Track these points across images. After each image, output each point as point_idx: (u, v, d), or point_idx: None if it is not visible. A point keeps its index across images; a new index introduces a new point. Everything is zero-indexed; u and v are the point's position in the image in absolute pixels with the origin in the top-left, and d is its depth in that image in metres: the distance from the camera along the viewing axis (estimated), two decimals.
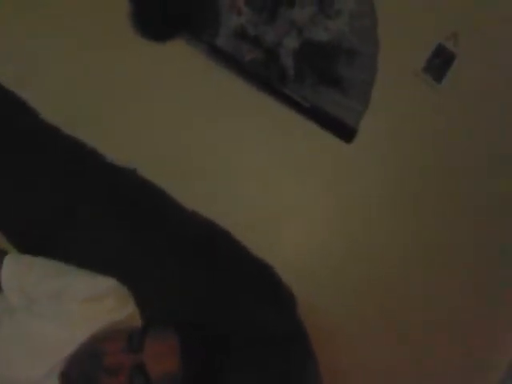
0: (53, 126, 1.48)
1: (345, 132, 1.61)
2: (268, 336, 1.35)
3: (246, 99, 1.63)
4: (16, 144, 1.46)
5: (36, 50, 1.57)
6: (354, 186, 1.64)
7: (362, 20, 1.59)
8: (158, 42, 1.60)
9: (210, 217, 1.45)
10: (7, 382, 1.13)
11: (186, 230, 1.45)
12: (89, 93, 1.61)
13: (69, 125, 1.47)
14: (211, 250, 1.43)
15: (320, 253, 1.63)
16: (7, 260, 1.25)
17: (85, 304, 1.19)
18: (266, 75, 1.60)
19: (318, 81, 1.59)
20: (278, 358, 1.32)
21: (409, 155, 1.65)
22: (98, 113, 1.60)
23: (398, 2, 1.62)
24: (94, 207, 1.43)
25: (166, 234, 1.42)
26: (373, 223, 1.63)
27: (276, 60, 1.59)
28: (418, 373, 1.64)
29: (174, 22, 1.60)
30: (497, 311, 1.71)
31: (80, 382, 1.06)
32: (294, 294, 1.45)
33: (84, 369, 1.06)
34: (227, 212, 1.50)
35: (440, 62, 1.60)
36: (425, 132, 1.65)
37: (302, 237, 1.64)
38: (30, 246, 1.34)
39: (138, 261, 1.39)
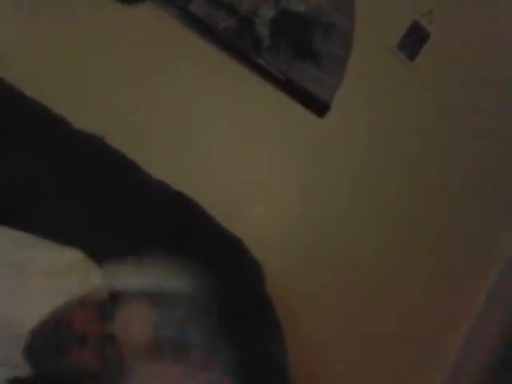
0: (16, 89, 1.41)
1: (318, 106, 1.60)
2: (233, 308, 1.34)
3: (218, 67, 1.60)
4: None
5: None
6: (325, 161, 1.65)
7: None
8: (128, 5, 1.54)
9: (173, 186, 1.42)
10: None
11: (152, 199, 1.42)
12: (53, 56, 1.54)
13: (32, 90, 1.40)
14: (176, 219, 1.40)
15: (288, 228, 1.64)
16: None
17: (49, 276, 1.15)
18: (240, 44, 1.57)
19: (293, 53, 1.57)
20: (243, 330, 1.33)
21: (381, 131, 1.66)
22: (62, 77, 1.54)
23: None
24: (57, 175, 1.38)
25: (130, 203, 1.39)
26: (342, 198, 1.65)
27: (251, 29, 1.56)
28: (386, 342, 1.69)
29: None
30: None
31: (47, 353, 1.03)
32: (261, 266, 1.45)
33: (52, 339, 1.03)
34: (192, 182, 1.47)
35: (414, 40, 1.61)
36: (397, 109, 1.66)
37: (269, 211, 1.64)
38: None
39: (102, 232, 1.35)
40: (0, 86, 1.41)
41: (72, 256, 1.22)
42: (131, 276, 1.20)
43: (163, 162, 1.50)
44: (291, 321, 1.39)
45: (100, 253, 1.29)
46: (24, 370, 1.05)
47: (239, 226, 1.43)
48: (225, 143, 1.61)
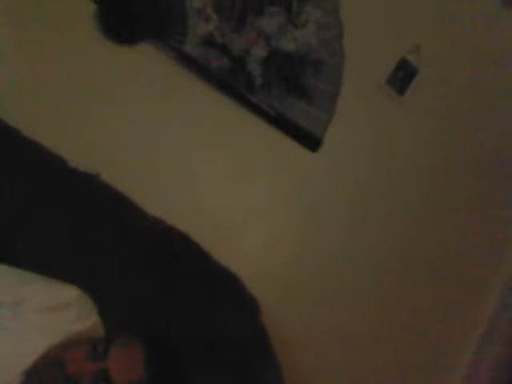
0: (12, 127, 1.45)
1: (310, 141, 1.64)
2: (229, 341, 1.35)
3: (213, 105, 1.63)
4: None
5: None
6: (318, 194, 1.67)
7: (328, 31, 1.61)
8: (124, 46, 1.58)
9: (169, 221, 1.45)
10: None
11: (146, 236, 1.44)
12: (51, 97, 1.57)
13: (29, 128, 1.43)
14: (170, 255, 1.42)
15: (281, 260, 1.65)
16: None
17: (46, 314, 1.16)
18: (233, 83, 1.61)
19: (284, 90, 1.61)
20: (239, 363, 1.33)
21: (371, 165, 1.69)
22: (60, 117, 1.57)
23: (363, 15, 1.65)
24: (53, 212, 1.40)
25: (124, 240, 1.41)
26: (336, 232, 1.66)
27: (243, 68, 1.60)
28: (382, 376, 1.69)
29: (141, 26, 1.58)
30: None
31: None
32: (256, 300, 1.46)
33: (45, 379, 1.04)
34: (188, 217, 1.50)
35: (403, 76, 1.65)
36: (387, 143, 1.69)
37: (263, 244, 1.66)
38: None
39: (94, 267, 1.36)
40: None
41: (69, 293, 1.23)
42: None
43: (158, 198, 1.52)
44: (287, 354, 1.39)
45: (97, 289, 1.30)
46: None
47: (234, 260, 1.45)
48: (218, 180, 1.63)
